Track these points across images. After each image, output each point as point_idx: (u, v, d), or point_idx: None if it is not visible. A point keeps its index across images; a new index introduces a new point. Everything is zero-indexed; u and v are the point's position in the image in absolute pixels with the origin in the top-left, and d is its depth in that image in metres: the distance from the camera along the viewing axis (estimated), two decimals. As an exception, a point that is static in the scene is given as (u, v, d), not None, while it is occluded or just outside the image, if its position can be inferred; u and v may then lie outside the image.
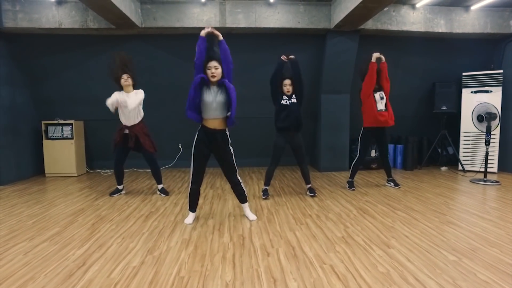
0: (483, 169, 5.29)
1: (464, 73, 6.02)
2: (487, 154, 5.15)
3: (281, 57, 4.23)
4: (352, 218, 3.47)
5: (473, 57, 6.32)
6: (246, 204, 3.53)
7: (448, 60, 6.32)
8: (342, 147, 6.25)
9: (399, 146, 6.50)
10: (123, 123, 4.34)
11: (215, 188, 4.96)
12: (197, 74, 3.13)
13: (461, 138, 6.15)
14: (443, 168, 6.36)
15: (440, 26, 5.66)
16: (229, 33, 5.71)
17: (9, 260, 2.52)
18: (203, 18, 5.39)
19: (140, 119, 4.37)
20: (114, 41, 5.76)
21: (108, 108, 4.08)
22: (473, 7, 5.59)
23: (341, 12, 5.05)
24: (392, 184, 4.89)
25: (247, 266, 2.38)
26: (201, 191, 4.63)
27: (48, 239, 2.93)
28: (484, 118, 5.09)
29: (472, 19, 5.68)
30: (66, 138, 5.93)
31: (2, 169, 5.32)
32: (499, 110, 5.39)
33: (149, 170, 4.70)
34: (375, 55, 4.60)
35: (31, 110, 6.06)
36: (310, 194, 4.39)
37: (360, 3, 4.36)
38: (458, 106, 6.19)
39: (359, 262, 2.43)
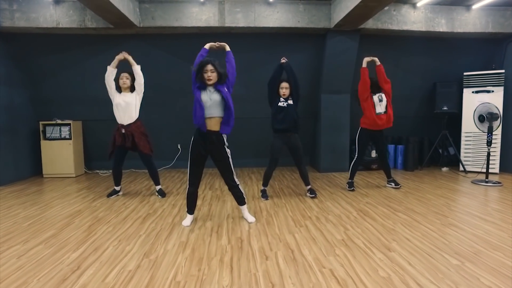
0: (484, 170, 5.24)
1: (465, 73, 5.97)
2: (488, 154, 5.10)
3: (281, 60, 4.18)
4: (352, 220, 3.42)
5: (474, 56, 6.27)
6: (245, 206, 3.48)
7: (449, 59, 6.27)
8: (342, 148, 6.20)
9: (400, 147, 6.45)
10: (119, 122, 4.30)
11: (213, 189, 4.92)
12: (194, 79, 3.18)
13: (462, 138, 6.10)
14: (444, 169, 6.31)
15: (441, 25, 5.61)
16: (228, 32, 5.67)
17: (1, 264, 2.47)
18: (202, 17, 5.34)
19: (137, 116, 4.32)
20: (113, 40, 5.71)
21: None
22: (475, 6, 5.54)
23: (341, 11, 5.00)
24: (392, 184, 4.84)
25: (245, 270, 2.33)
26: (200, 192, 4.60)
27: (43, 242, 2.88)
28: (485, 118, 5.03)
29: (474, 18, 5.62)
30: (64, 138, 5.88)
31: (0, 169, 5.27)
32: (501, 110, 5.34)
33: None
34: (366, 59, 4.56)
35: (29, 110, 6.01)
36: (311, 196, 4.34)
37: (361, 2, 4.31)
38: (459, 106, 6.13)
39: (359, 266, 2.38)
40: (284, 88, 4.16)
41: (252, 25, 5.40)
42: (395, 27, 5.58)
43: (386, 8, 5.43)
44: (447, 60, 6.27)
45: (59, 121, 5.88)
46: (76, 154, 6.01)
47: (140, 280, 2.21)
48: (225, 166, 3.28)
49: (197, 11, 5.32)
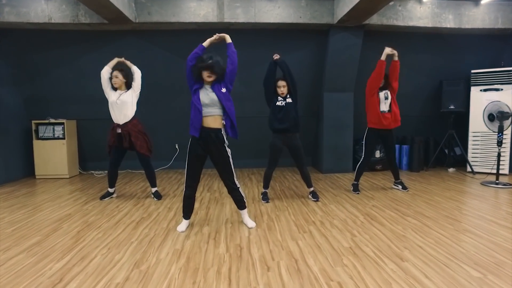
0: (493, 171, 5.03)
1: (472, 71, 5.76)
2: (499, 155, 4.89)
3: (274, 56, 3.99)
4: (359, 225, 3.21)
5: (482, 53, 6.06)
6: (245, 211, 3.27)
7: (456, 57, 6.06)
8: (345, 148, 5.99)
9: (405, 147, 6.24)
10: (115, 122, 4.10)
11: (212, 191, 4.71)
12: (189, 76, 2.98)
13: (470, 138, 5.89)
14: (451, 170, 6.10)
15: (448, 21, 5.40)
16: (227, 28, 5.46)
17: (-21, 275, 2.26)
18: (200, 12, 5.13)
19: (133, 115, 4.12)
20: (108, 37, 5.51)
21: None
22: (483, 1, 5.33)
23: (345, 6, 4.79)
24: (399, 187, 4.63)
25: (244, 283, 2.12)
26: (197, 195, 4.39)
27: (26, 250, 2.67)
28: (495, 117, 4.83)
29: (482, 14, 5.41)
30: (58, 138, 5.67)
31: (-11, 171, 5.07)
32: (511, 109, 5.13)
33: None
34: (387, 51, 4.29)
35: (21, 109, 5.80)
36: (313, 199, 4.13)
37: (366, -5, 4.11)
38: (466, 105, 5.92)
39: (370, 278, 2.17)
40: (282, 87, 3.94)
41: (252, 20, 5.20)
42: (400, 23, 5.37)
43: (392, 3, 5.22)
44: (454, 57, 6.07)
45: (52, 120, 5.67)
46: (70, 155, 5.80)
47: (129, 294, 2.00)
48: (225, 166, 3.08)
49: (195, 6, 5.11)
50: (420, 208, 3.75)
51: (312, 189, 4.19)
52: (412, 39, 5.88)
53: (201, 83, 3.00)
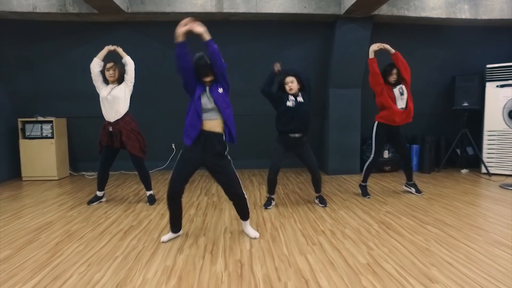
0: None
1: (488, 65, 5.39)
2: (520, 156, 4.53)
3: (274, 67, 3.63)
4: (375, 235, 2.86)
5: (498, 47, 5.69)
6: (247, 221, 2.91)
7: (470, 50, 5.69)
8: (352, 148, 5.62)
9: (415, 147, 5.88)
10: (106, 119, 3.77)
11: (210, 194, 4.35)
12: (185, 79, 2.59)
13: (485, 137, 5.52)
14: (464, 171, 5.74)
15: (464, 11, 5.04)
16: (226, 19, 5.10)
17: None
18: (197, 2, 4.76)
19: (125, 111, 3.77)
20: (99, 29, 5.15)
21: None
22: (502, -10, 4.97)
23: (354, -6, 4.43)
24: (412, 189, 4.26)
25: (246, 312, 1.77)
26: (194, 199, 4.04)
27: (-8, 267, 2.32)
28: (517, 115, 4.47)
29: (501, 3, 5.04)
30: (46, 137, 5.31)
31: (-30, 172, 4.71)
32: (532, 106, 4.77)
33: None
34: (373, 48, 3.91)
35: (6, 106, 5.43)
36: (321, 205, 3.77)
37: (379, -20, 3.74)
38: (481, 102, 5.55)
39: (396, 305, 1.82)
40: (290, 83, 3.54)
41: (253, 11, 4.82)
42: (412, 13, 5.01)
43: (404, -9, 4.86)
44: (468, 51, 5.70)
45: (40, 118, 5.30)
46: (60, 155, 5.44)
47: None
48: (229, 176, 2.70)
49: (191, -5, 4.75)
50: (439, 214, 3.40)
51: (319, 194, 3.83)
52: (424, 31, 5.52)
53: (203, 85, 2.65)
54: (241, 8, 4.80)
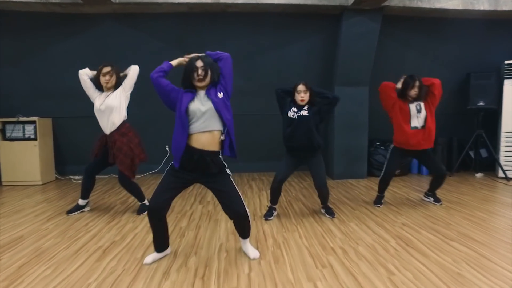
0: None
1: (506, 61, 5.00)
2: (545, 160, 4.14)
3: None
4: (393, 254, 2.46)
5: (517, 42, 5.31)
6: (247, 239, 2.51)
7: (487, 45, 5.30)
8: (359, 150, 5.22)
9: (426, 149, 5.48)
10: (103, 131, 3.38)
11: (205, 202, 3.95)
12: (162, 91, 2.31)
13: (502, 139, 5.13)
14: (478, 175, 5.36)
15: (482, 2, 4.64)
16: (223, 11, 4.70)
17: None
18: (192, -9, 4.36)
19: (121, 121, 3.34)
20: (85, 21, 4.75)
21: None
22: (523, -21, 4.57)
23: (363, -18, 4.03)
24: (431, 199, 3.86)
25: None
26: (187, 208, 3.64)
27: None
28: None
29: (522, -6, 4.65)
30: (29, 138, 4.90)
31: None
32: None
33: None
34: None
35: (-14, 105, 5.04)
36: (328, 216, 3.37)
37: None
38: (498, 101, 5.16)
39: None
40: (302, 92, 3.12)
41: (253, 1, 4.43)
42: (425, 5, 4.62)
43: (417, -20, 4.47)
44: (484, 46, 5.31)
45: (22, 118, 4.90)
46: (44, 158, 5.03)
47: None
48: (229, 193, 2.29)
49: (185, -17, 4.35)
50: (463, 227, 3.00)
51: (326, 205, 3.44)
52: (436, 25, 5.14)
53: (192, 91, 2.26)
54: (240, -1, 4.41)
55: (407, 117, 3.47)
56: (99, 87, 3.36)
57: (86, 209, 3.64)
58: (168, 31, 4.90)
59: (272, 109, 5.47)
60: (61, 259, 2.42)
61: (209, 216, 3.43)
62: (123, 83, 3.36)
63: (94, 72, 3.37)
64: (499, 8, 4.63)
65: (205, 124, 2.17)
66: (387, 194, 4.27)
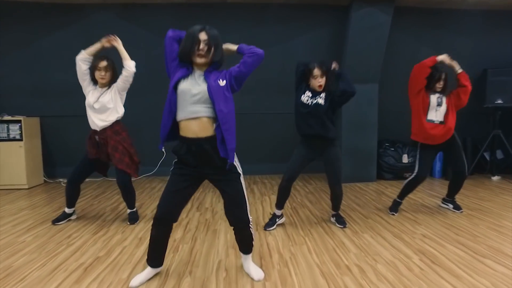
0: None
1: (526, 57, 4.69)
2: None
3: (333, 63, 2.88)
4: (418, 274, 2.13)
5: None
6: (249, 255, 2.18)
7: (506, 39, 4.97)
8: (368, 151, 4.89)
9: (439, 150, 5.16)
10: (92, 127, 3.05)
11: (203, 209, 3.62)
12: (170, 49, 1.94)
13: (521, 140, 4.81)
14: (495, 178, 5.03)
15: (502, -8, 4.31)
16: (223, 2, 4.37)
17: None
18: (189, -20, 4.03)
19: (116, 119, 3.05)
20: (74, 12, 4.43)
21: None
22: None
23: (375, -31, 3.70)
24: (450, 206, 3.53)
25: None
26: (183, 215, 3.31)
27: None
28: None
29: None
30: (14, 139, 4.57)
31: None
32: None
33: None
34: (441, 57, 3.11)
35: (-32, 104, 4.72)
36: (339, 225, 3.04)
37: None
38: (517, 99, 4.84)
39: None
40: (319, 77, 2.76)
41: (254, -9, 4.10)
42: (441, -5, 4.29)
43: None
44: (503, 40, 4.99)
45: (7, 117, 4.56)
46: (31, 159, 4.70)
47: None
48: (236, 197, 1.96)
49: (182, -29, 4.02)
50: (493, 240, 2.67)
51: (337, 212, 3.11)
52: (452, 17, 4.81)
53: (188, 67, 1.92)
54: (241, -12, 4.08)
55: (426, 108, 3.19)
56: (94, 81, 3.04)
57: (73, 217, 3.31)
58: (163, 23, 4.55)
59: (275, 108, 5.17)
60: (33, 280, 2.08)
61: (207, 225, 3.10)
62: (117, 82, 3.04)
63: (97, 46, 2.98)
64: (520, -2, 4.30)
65: (193, 109, 1.84)
66: (400, 199, 3.94)
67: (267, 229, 2.96)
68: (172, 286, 2.01)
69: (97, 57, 3.00)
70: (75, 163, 3.17)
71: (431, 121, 3.18)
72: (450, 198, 3.54)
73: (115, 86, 3.03)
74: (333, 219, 3.13)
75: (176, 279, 2.10)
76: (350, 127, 4.80)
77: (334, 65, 2.85)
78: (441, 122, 3.17)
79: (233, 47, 2.04)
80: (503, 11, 4.70)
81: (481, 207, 3.58)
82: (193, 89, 1.84)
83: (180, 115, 1.87)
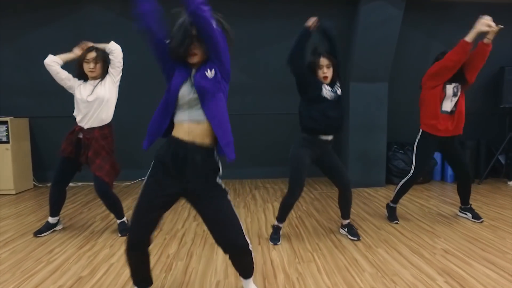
0: None
1: (546, 54, 4.40)
2: None
3: (307, 24, 2.56)
4: (447, 301, 1.84)
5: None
6: (250, 279, 1.89)
7: (524, 35, 4.68)
8: (377, 155, 4.60)
9: (452, 153, 4.87)
10: (78, 123, 2.79)
11: (200, 219, 3.31)
12: (156, 49, 1.60)
13: (540, 142, 4.52)
14: (511, 183, 4.74)
15: (521, -16, 4.02)
16: (223, -6, 4.09)
17: None
18: (186, -30, 3.74)
19: (108, 120, 2.82)
20: (62, 6, 4.15)
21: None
22: None
23: (388, -42, 3.41)
24: (469, 215, 3.24)
25: None
26: (178, 226, 3.01)
27: None
28: None
29: None
30: (0, 141, 4.30)
31: None
32: None
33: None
34: (481, 27, 2.75)
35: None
36: (351, 237, 2.75)
37: None
38: (536, 99, 4.55)
39: None
40: (325, 67, 2.49)
41: (256, -17, 3.82)
42: (456, -13, 4.00)
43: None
44: (521, 37, 4.69)
45: (-8, 118, 4.30)
46: (18, 163, 4.43)
47: None
48: (223, 215, 1.64)
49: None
50: (523, 257, 2.38)
51: (348, 221, 2.82)
52: (467, 12, 4.50)
53: (188, 69, 1.62)
54: (242, -21, 3.80)
55: (442, 98, 2.94)
56: (82, 75, 2.80)
57: (58, 227, 3.03)
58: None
59: (277, 108, 4.89)
60: (2, 309, 1.81)
61: (204, 238, 2.81)
62: (109, 70, 2.81)
63: (70, 55, 2.83)
64: (542, -9, 4.01)
65: (194, 112, 1.58)
66: (411, 207, 3.69)
67: (276, 243, 2.66)
68: (162, 317, 1.73)
69: (87, 49, 2.78)
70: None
71: (445, 112, 2.95)
72: (466, 205, 3.27)
73: (108, 77, 2.80)
74: (343, 231, 2.85)
75: (167, 307, 1.82)
76: (358, 128, 4.52)
77: (312, 23, 2.53)
78: (452, 112, 2.96)
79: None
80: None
81: (503, 217, 3.29)
82: (186, 96, 1.57)
83: (180, 117, 1.60)
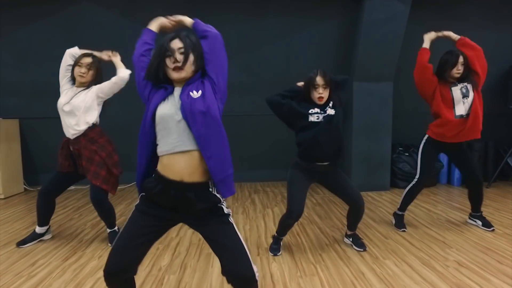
0: None
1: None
2: None
3: (298, 85, 2.49)
4: (466, 324, 1.66)
5: None
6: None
7: (534, 33, 4.51)
8: (382, 157, 4.43)
9: (459, 155, 4.69)
10: (66, 135, 2.64)
11: (196, 226, 3.15)
12: (140, 79, 1.50)
13: (551, 144, 4.34)
14: (521, 186, 4.57)
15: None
16: (221, -10, 3.93)
17: None
18: (182, -36, 3.58)
19: (88, 125, 2.59)
20: (52, 3, 3.98)
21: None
22: None
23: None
24: (479, 222, 3.06)
25: None
26: (173, 234, 2.84)
27: None
28: None
29: None
30: (-12, 144, 4.14)
31: None
32: None
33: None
34: (429, 36, 2.89)
35: None
36: (356, 248, 2.57)
37: None
38: (547, 99, 4.37)
39: None
40: (321, 88, 2.30)
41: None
42: (464, -18, 3.83)
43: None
44: (531, 34, 4.52)
45: (-19, 119, 4.14)
46: (7, 166, 4.25)
47: None
48: (232, 247, 1.40)
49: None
50: (544, 271, 2.20)
51: (353, 232, 2.64)
52: (476, 9, 4.38)
53: (167, 87, 1.42)
54: (240, -27, 3.63)
55: (450, 103, 2.75)
56: (73, 79, 2.65)
57: (47, 237, 2.85)
58: (154, 14, 4.11)
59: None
60: (-29, 334, 1.63)
61: (199, 248, 2.63)
62: (101, 84, 2.62)
63: (96, 53, 2.70)
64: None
65: (179, 140, 1.35)
66: (419, 213, 3.51)
67: (275, 254, 2.49)
68: None
69: (83, 53, 2.62)
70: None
71: (461, 116, 2.75)
72: (476, 212, 3.09)
73: (95, 87, 2.60)
74: (348, 240, 2.67)
75: (155, 330, 1.64)
76: (361, 130, 4.35)
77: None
78: (466, 116, 2.75)
79: (188, 20, 1.58)
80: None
81: (515, 224, 3.11)
82: (176, 115, 1.35)
83: (162, 148, 1.38)
